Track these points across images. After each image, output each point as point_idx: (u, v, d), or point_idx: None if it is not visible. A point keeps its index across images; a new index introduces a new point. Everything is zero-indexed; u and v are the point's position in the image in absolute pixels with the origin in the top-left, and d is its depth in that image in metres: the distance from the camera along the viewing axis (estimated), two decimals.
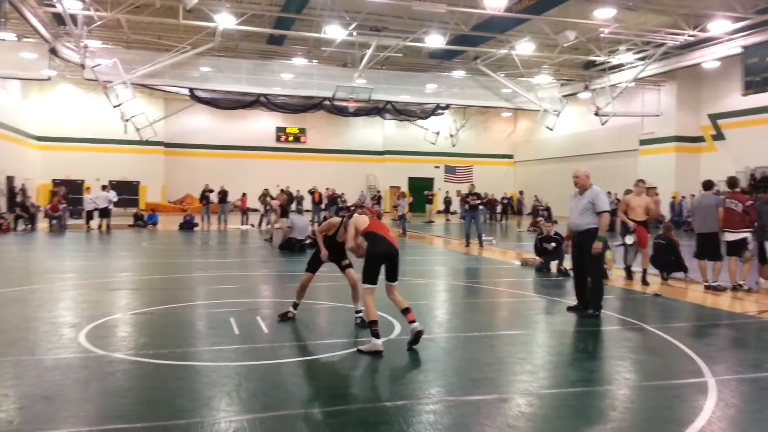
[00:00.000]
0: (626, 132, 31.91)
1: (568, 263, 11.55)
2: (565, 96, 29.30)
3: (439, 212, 36.79)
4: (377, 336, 5.71)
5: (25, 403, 4.31)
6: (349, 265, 7.03)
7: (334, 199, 27.78)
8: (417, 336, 5.88)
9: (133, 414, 4.17)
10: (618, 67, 26.64)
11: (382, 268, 6.01)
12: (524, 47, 23.73)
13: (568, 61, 27.16)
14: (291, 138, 40.70)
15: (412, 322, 5.92)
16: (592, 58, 25.38)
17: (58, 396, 4.48)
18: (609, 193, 29.50)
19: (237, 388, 4.73)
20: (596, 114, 27.91)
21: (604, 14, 19.96)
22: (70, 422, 4.00)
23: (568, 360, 5.94)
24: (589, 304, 7.60)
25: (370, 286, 5.89)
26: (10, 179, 28.02)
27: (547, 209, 28.33)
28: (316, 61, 27.05)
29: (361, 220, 6.31)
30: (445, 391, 4.76)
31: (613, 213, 12.37)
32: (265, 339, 6.37)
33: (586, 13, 20.08)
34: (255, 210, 27.57)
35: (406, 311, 5.99)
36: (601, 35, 21.62)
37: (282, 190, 23.31)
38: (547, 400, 4.61)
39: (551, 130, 28.99)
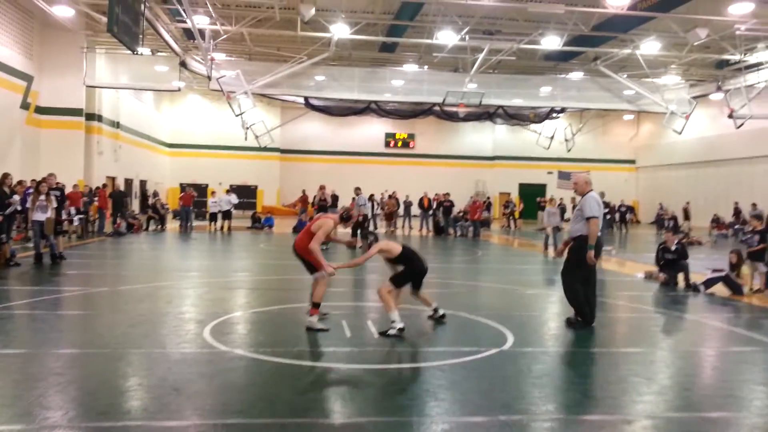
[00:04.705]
0: (764, 136, 29.17)
1: (697, 277, 10.74)
2: (694, 97, 27.34)
3: None
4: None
5: (157, 393, 4.61)
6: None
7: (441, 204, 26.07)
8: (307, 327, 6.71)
9: (253, 410, 4.34)
10: (755, 66, 24.46)
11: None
12: (649, 46, 22.42)
13: (698, 61, 25.34)
14: (400, 143, 41.11)
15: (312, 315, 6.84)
16: (725, 56, 23.51)
17: (185, 388, 4.75)
18: (736, 202, 27.26)
19: (351, 390, 4.78)
20: (730, 116, 25.80)
21: (740, 10, 18.37)
22: (198, 414, 4.22)
23: (698, 382, 5.47)
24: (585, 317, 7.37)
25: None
26: (143, 183, 30.53)
27: (674, 218, 26.43)
28: (427, 66, 27.13)
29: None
30: (564, 408, 4.54)
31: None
32: (376, 343, 6.41)
33: (720, 9, 18.61)
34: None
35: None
36: (737, 32, 19.99)
37: (389, 196, 23.37)
38: (676, 424, 4.26)
39: (679, 133, 27.12)
